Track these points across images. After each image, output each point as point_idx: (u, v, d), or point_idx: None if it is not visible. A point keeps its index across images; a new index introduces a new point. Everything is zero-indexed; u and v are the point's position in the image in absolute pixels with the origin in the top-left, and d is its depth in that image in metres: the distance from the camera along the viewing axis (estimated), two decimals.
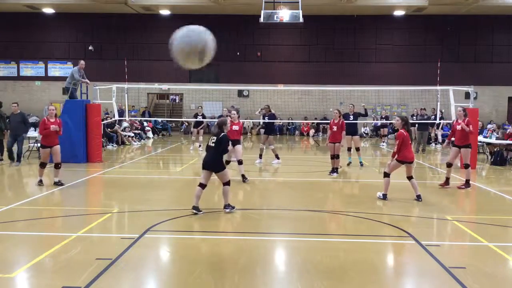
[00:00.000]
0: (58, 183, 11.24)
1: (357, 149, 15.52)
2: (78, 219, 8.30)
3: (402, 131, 9.93)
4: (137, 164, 16.25)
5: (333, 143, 13.36)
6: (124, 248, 6.48)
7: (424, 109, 22.83)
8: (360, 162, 15.54)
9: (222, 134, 8.61)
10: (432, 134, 24.07)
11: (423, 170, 15.78)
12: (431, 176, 14.50)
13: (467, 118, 11.57)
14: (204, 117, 20.56)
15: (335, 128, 13.33)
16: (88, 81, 16.28)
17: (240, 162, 12.11)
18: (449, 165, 11.78)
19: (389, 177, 10.03)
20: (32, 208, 9.08)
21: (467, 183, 11.59)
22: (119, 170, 14.43)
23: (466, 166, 11.67)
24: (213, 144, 8.54)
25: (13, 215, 8.44)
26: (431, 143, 23.81)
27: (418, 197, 9.96)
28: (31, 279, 5.56)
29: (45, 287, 5.37)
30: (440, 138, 23.48)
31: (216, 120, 9.58)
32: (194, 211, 8.46)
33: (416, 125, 20.57)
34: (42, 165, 11.29)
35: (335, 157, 13.36)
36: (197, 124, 20.24)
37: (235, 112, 12.73)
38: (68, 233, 7.18)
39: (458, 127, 11.56)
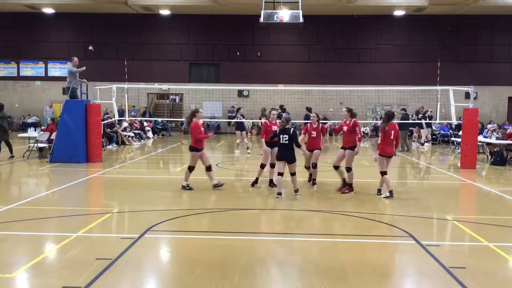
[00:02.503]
0: (217, 185, 10.86)
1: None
2: (78, 219, 8.30)
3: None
4: (137, 164, 16.24)
5: (311, 151, 11.41)
6: (124, 248, 6.48)
7: (404, 109, 23.04)
8: None
9: (292, 130, 9.95)
10: (415, 134, 24.52)
11: (420, 170, 15.78)
12: (431, 176, 14.50)
13: (353, 119, 10.79)
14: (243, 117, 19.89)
15: (314, 134, 11.54)
16: (85, 80, 16.29)
17: (262, 166, 11.40)
18: (336, 168, 11.02)
19: (385, 174, 10.19)
20: (32, 208, 9.07)
21: (350, 187, 10.75)
22: (119, 170, 14.42)
23: (348, 170, 10.73)
24: (287, 141, 9.94)
25: (13, 215, 8.43)
26: (413, 141, 24.24)
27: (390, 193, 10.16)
28: (31, 279, 5.56)
29: (45, 287, 5.37)
30: (423, 139, 23.34)
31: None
32: (279, 196, 9.98)
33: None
34: (191, 169, 10.87)
35: (312, 166, 11.50)
36: (241, 126, 19.22)
37: (275, 112, 11.77)
38: (68, 233, 7.18)
39: (344, 128, 10.93)
